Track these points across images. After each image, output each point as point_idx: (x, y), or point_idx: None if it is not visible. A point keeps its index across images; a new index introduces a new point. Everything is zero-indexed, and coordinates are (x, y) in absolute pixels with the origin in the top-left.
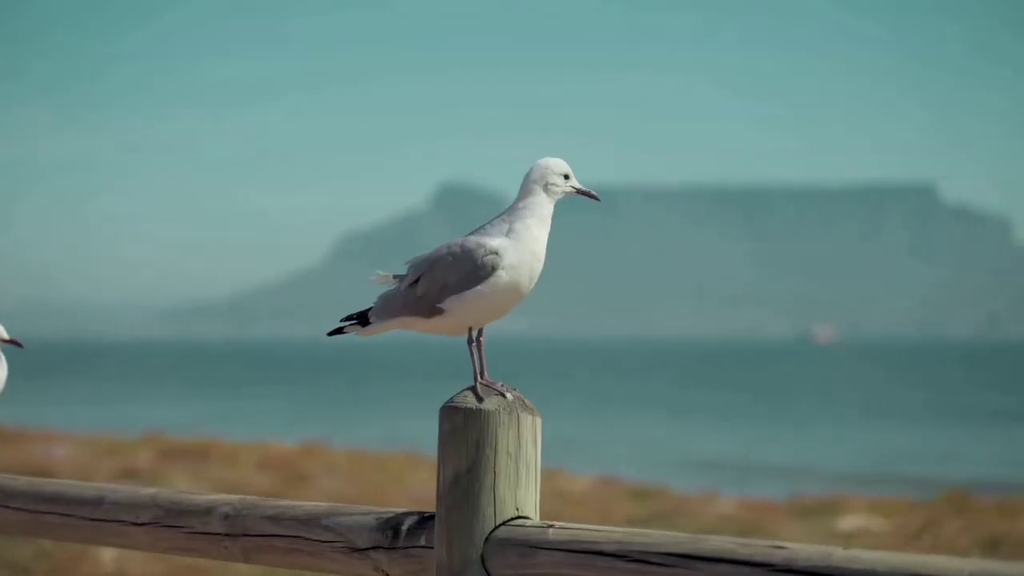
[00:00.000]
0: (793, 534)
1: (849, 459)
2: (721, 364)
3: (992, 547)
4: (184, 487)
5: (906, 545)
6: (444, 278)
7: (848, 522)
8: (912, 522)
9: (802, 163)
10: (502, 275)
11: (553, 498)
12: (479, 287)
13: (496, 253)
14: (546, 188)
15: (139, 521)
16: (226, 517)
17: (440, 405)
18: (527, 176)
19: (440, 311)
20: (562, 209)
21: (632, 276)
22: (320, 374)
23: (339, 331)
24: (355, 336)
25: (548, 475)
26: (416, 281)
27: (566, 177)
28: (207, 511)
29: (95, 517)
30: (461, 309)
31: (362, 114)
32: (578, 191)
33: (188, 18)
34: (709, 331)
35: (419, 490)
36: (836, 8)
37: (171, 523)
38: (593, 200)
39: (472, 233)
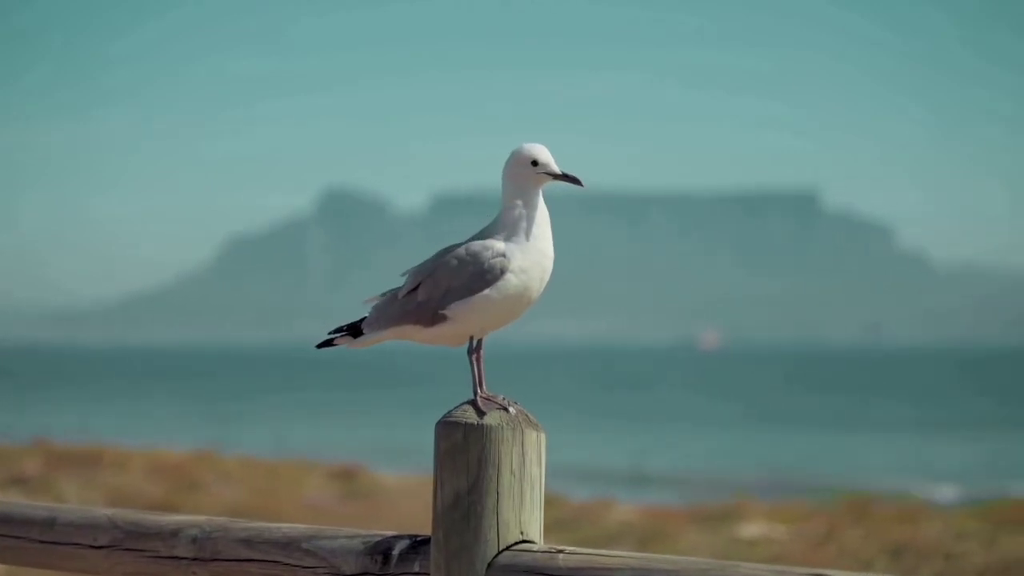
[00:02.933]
0: (695, 541)
1: (740, 465)
2: (606, 369)
3: (896, 555)
4: (74, 494)
5: (811, 553)
6: (448, 283)
7: (749, 529)
8: (814, 529)
9: (683, 170)
10: (511, 278)
11: None
12: (487, 291)
13: (504, 255)
14: (518, 181)
15: (96, 544)
16: (194, 540)
17: (319, 412)
18: (502, 173)
19: (443, 318)
20: (444, 213)
21: None
22: (207, 380)
23: (329, 343)
24: (344, 348)
25: None
26: (416, 288)
27: (534, 163)
28: (173, 533)
29: (46, 539)
30: (467, 315)
31: (251, 117)
32: (554, 176)
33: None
34: (591, 336)
35: (315, 497)
36: (717, 22)
37: (132, 546)
38: (576, 185)
39: (473, 237)
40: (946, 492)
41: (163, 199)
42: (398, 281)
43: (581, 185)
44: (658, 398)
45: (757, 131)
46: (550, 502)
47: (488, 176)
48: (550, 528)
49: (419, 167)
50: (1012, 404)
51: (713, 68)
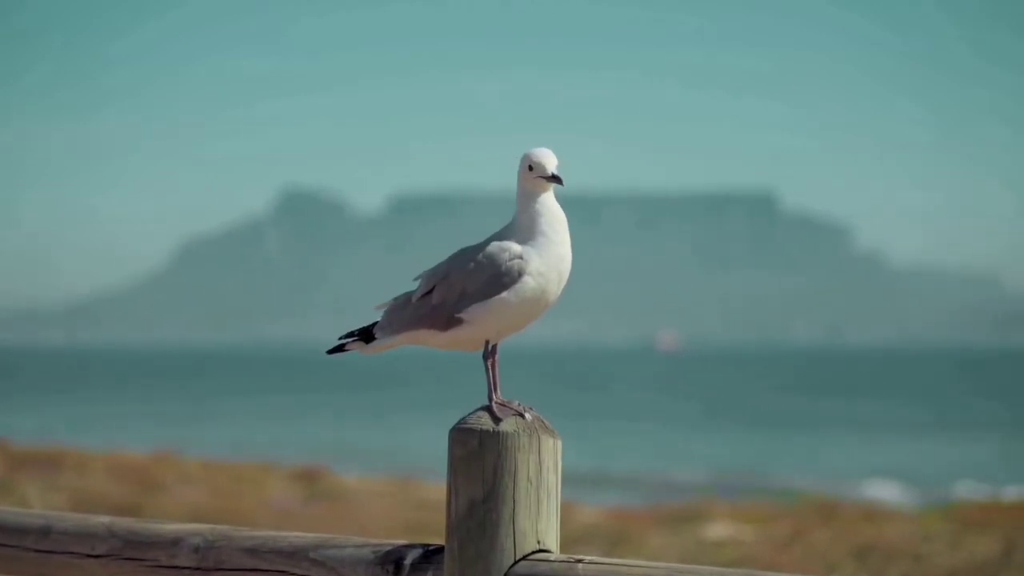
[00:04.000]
0: (661, 543)
1: (699, 465)
2: (564, 370)
3: (862, 557)
4: (37, 497)
5: (777, 554)
6: (464, 285)
7: (715, 530)
8: (780, 530)
9: (643, 170)
10: (529, 281)
11: (416, 508)
12: (504, 294)
13: (521, 257)
14: (524, 185)
15: (94, 553)
16: (196, 549)
17: (277, 413)
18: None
19: (459, 321)
20: (404, 214)
21: None
22: (165, 381)
23: (340, 348)
24: (357, 353)
25: (404, 483)
26: (431, 291)
27: (531, 168)
28: (173, 542)
29: (41, 548)
30: (484, 318)
31: (207, 116)
32: (547, 179)
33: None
34: (549, 337)
35: (279, 500)
36: (717, 21)
37: (132, 555)
38: (559, 186)
39: (487, 239)
40: (906, 493)
41: (120, 201)
42: (357, 283)
43: (562, 185)
44: (616, 399)
45: (718, 131)
46: None
47: (448, 177)
48: None
49: (378, 168)
50: (971, 405)
51: (710, 68)
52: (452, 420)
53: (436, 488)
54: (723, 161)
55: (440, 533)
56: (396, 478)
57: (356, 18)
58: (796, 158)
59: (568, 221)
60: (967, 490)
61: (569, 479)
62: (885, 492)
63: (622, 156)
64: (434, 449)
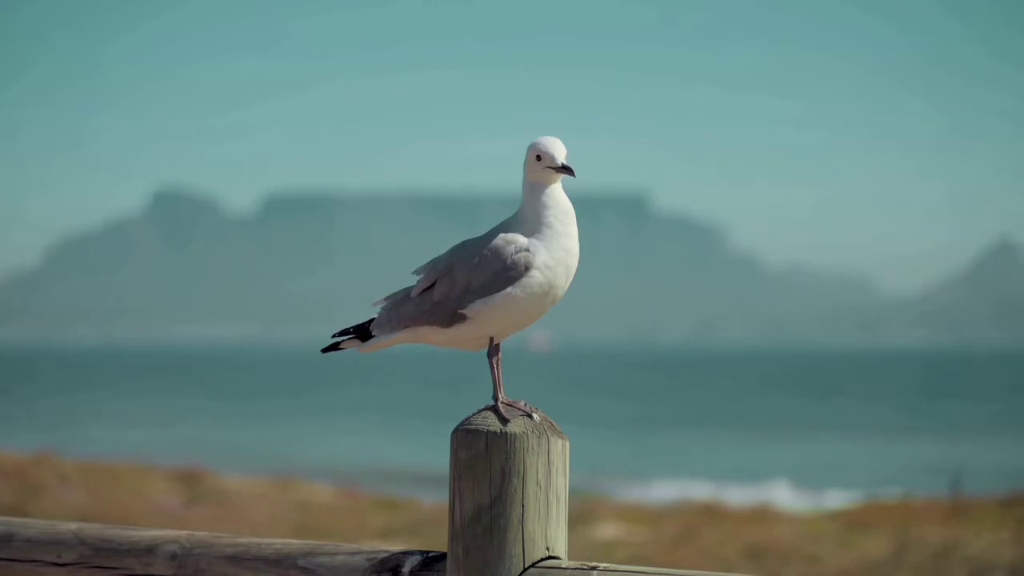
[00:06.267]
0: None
1: (575, 466)
2: (432, 372)
3: (754, 557)
4: None
5: (671, 554)
6: (468, 280)
7: (606, 530)
8: (669, 531)
9: (517, 171)
10: (536, 275)
11: (299, 509)
12: (510, 289)
13: (528, 250)
14: (531, 176)
15: (60, 561)
16: (173, 557)
17: (153, 414)
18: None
19: (462, 318)
20: (275, 214)
21: (345, 284)
22: (40, 382)
23: (335, 347)
24: (355, 351)
25: (284, 484)
26: (432, 286)
27: (538, 158)
28: (148, 550)
29: (3, 556)
30: (489, 315)
31: (82, 114)
32: (555, 169)
33: None
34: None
35: (161, 501)
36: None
37: (102, 564)
38: (570, 176)
39: (490, 231)
40: (788, 493)
41: None
42: (228, 280)
43: (573, 176)
44: (487, 400)
45: (594, 133)
46: (401, 506)
47: (318, 178)
48: (400, 532)
49: (250, 167)
50: (841, 406)
51: (708, 66)
52: (304, 419)
53: (317, 489)
54: (598, 163)
55: (328, 534)
56: (276, 479)
57: (214, 19)
58: (671, 160)
59: (441, 222)
60: (849, 491)
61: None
62: (767, 493)
63: (498, 156)
64: (313, 449)
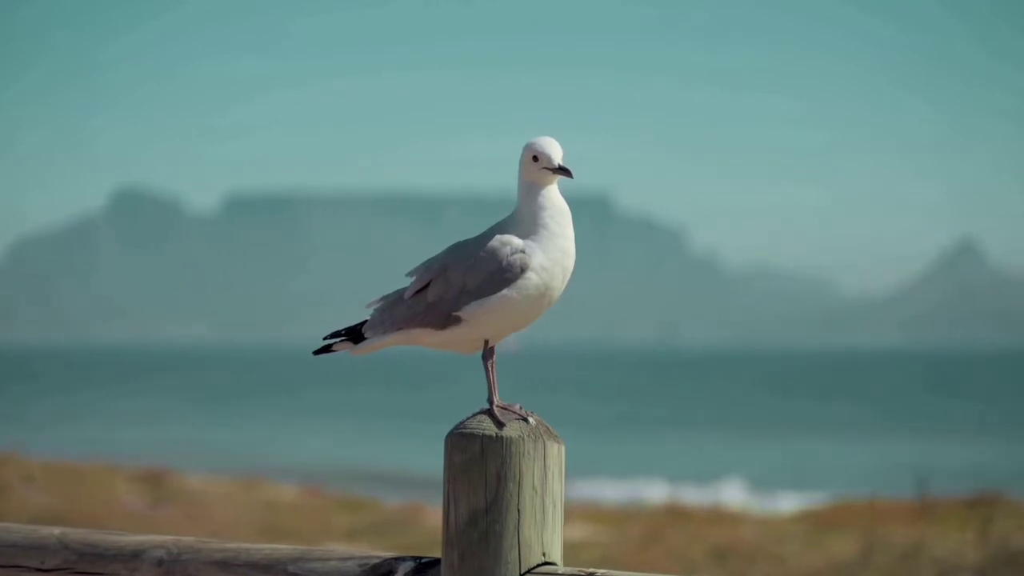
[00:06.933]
0: None
1: None
2: (400, 373)
3: (720, 557)
4: None
5: (638, 555)
6: (463, 282)
7: (571, 531)
8: (634, 532)
9: (480, 171)
10: (532, 277)
11: (265, 509)
12: (506, 291)
13: (523, 252)
14: (527, 177)
15: (44, 567)
16: (160, 563)
17: (115, 414)
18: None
19: (457, 320)
20: (237, 214)
21: (312, 283)
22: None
23: (327, 349)
24: (347, 354)
25: (249, 484)
26: (425, 287)
27: (535, 159)
28: (134, 555)
29: None
30: (484, 317)
31: (45, 114)
32: (552, 171)
33: None
34: None
35: (126, 502)
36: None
37: (87, 569)
38: (567, 178)
39: (485, 233)
40: (750, 494)
41: None
42: (188, 281)
43: (571, 177)
44: (455, 400)
45: (556, 134)
46: (364, 506)
47: (281, 177)
48: (364, 532)
49: (213, 167)
50: (804, 406)
51: (704, 65)
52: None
53: (283, 489)
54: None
55: (293, 534)
56: (241, 479)
57: (214, 19)
58: (633, 160)
59: (407, 222)
60: (812, 492)
61: (411, 481)
62: (726, 493)
63: (459, 158)
64: (278, 449)
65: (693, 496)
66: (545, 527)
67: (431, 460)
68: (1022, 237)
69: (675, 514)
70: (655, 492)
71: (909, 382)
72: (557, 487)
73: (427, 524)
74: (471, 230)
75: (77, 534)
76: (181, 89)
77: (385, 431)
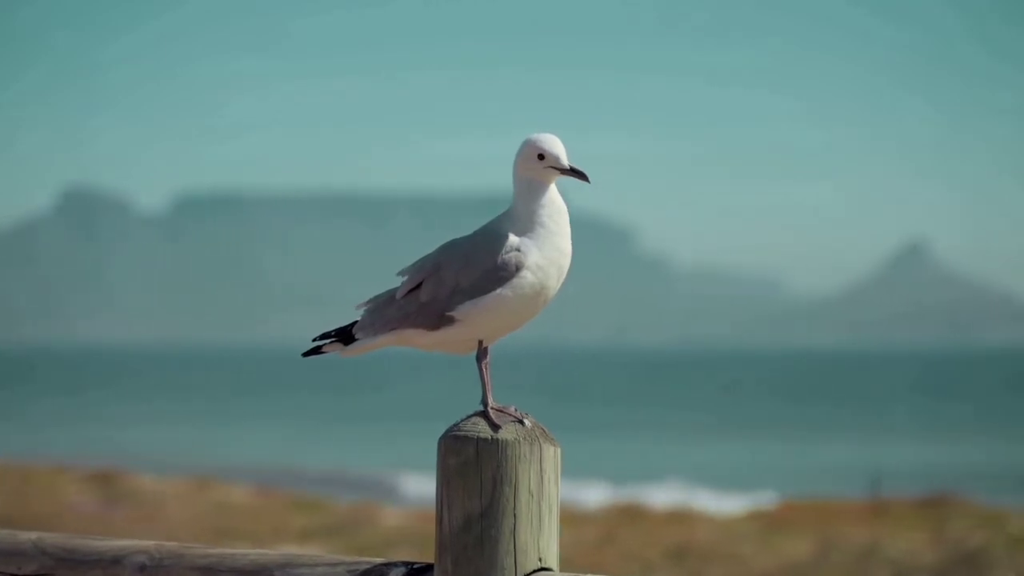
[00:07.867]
0: None
1: None
2: (348, 375)
3: (678, 557)
4: None
5: (594, 555)
6: (456, 281)
7: None
8: (589, 533)
9: (428, 174)
10: (527, 276)
11: (217, 509)
12: (500, 290)
13: (519, 250)
14: (526, 175)
15: (21, 573)
16: (142, 568)
17: (65, 414)
18: (513, 165)
19: (450, 320)
20: (186, 214)
21: (256, 285)
22: None
23: (316, 351)
24: (337, 355)
25: (201, 484)
26: (418, 287)
27: (541, 157)
28: (115, 560)
29: None
30: (478, 317)
31: (79, 114)
32: (562, 171)
33: None
34: None
35: (77, 503)
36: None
37: (65, 575)
38: (583, 181)
39: (479, 231)
40: (704, 495)
41: None
42: (136, 281)
43: (587, 181)
44: (403, 402)
45: (503, 133)
46: (316, 507)
47: (230, 177)
48: (319, 533)
49: (162, 166)
50: (752, 406)
51: (708, 66)
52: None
53: (236, 490)
54: (501, 164)
55: (247, 536)
56: (193, 479)
57: (214, 19)
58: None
59: (354, 223)
60: (764, 491)
61: (361, 482)
62: (672, 495)
63: (407, 160)
64: (229, 449)
65: (636, 497)
66: (541, 532)
67: (378, 459)
68: (969, 237)
69: (628, 514)
70: (597, 494)
71: (860, 382)
72: (553, 491)
73: (380, 524)
74: (417, 231)
75: (55, 539)
76: (181, 89)
77: (336, 432)
